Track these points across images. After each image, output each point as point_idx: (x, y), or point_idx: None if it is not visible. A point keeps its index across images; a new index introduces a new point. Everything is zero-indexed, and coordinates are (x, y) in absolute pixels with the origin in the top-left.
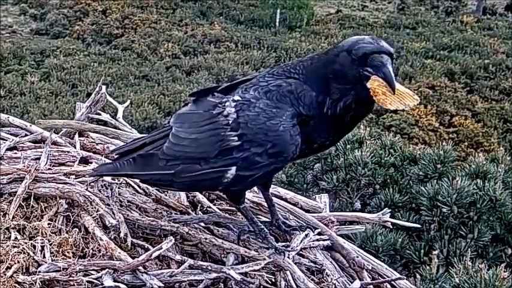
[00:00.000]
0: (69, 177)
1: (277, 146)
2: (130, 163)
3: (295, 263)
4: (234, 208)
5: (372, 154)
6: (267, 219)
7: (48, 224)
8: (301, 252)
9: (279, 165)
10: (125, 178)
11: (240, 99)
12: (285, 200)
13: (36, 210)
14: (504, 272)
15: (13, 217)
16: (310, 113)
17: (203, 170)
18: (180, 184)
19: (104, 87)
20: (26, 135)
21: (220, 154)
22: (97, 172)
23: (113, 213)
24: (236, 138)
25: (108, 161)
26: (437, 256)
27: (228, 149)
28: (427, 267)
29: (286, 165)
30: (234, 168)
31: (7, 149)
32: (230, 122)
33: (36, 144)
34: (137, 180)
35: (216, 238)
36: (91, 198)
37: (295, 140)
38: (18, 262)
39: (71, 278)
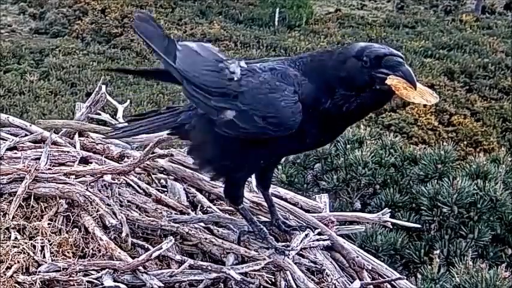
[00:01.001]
0: (69, 177)
1: (277, 118)
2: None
3: (295, 263)
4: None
5: (372, 154)
6: (267, 219)
7: (48, 224)
8: (301, 252)
9: (272, 134)
10: (125, 178)
11: (246, 66)
12: (285, 200)
13: (36, 210)
14: (505, 272)
15: (13, 217)
16: (306, 102)
17: (208, 102)
18: (186, 90)
19: (103, 87)
20: (26, 135)
21: (223, 95)
22: (115, 134)
23: (113, 213)
24: (238, 93)
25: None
26: (438, 256)
27: (232, 94)
28: (428, 266)
29: (281, 134)
30: (233, 112)
31: (7, 149)
32: (235, 79)
33: (36, 144)
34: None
35: (216, 238)
36: (91, 198)
37: (296, 117)
38: (18, 262)
39: (71, 278)
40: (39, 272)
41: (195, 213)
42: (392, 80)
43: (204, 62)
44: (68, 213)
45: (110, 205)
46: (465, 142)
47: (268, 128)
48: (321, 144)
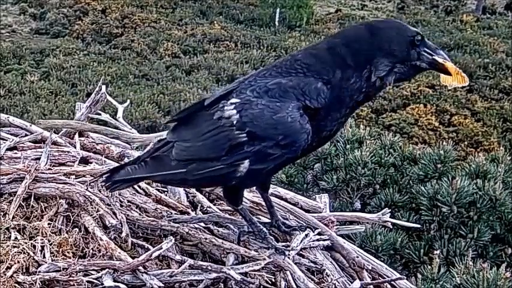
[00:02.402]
0: (69, 177)
1: (288, 137)
2: (142, 166)
3: (295, 263)
4: None
5: (372, 154)
6: (267, 220)
7: (48, 224)
8: (301, 252)
9: (292, 155)
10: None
11: (239, 100)
12: (285, 200)
13: (36, 210)
14: (506, 272)
15: (13, 217)
16: (318, 104)
17: (215, 167)
18: (192, 181)
19: (103, 87)
20: (26, 135)
21: (230, 151)
22: (111, 179)
23: (113, 213)
24: (245, 135)
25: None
26: (438, 256)
27: (239, 144)
28: (428, 266)
29: (298, 156)
30: (246, 162)
31: (7, 149)
32: (234, 122)
33: (36, 144)
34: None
35: (216, 238)
36: (91, 198)
37: (305, 129)
38: (18, 262)
39: (71, 278)
40: (39, 272)
41: (195, 213)
42: (444, 61)
43: (203, 125)
44: (68, 213)
45: (110, 205)
46: (466, 142)
47: (285, 153)
48: (335, 132)
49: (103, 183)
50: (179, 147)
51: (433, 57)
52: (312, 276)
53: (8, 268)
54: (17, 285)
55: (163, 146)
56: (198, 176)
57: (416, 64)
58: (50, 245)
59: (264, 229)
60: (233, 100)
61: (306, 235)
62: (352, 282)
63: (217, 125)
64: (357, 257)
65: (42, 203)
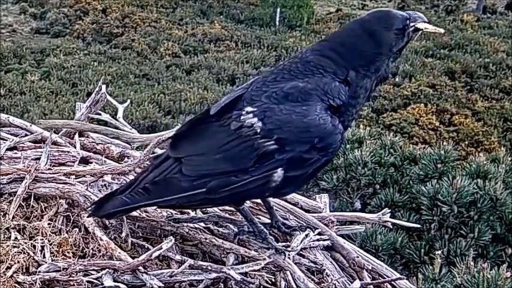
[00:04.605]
0: (69, 177)
1: (324, 140)
2: (142, 194)
3: (295, 263)
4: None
5: (372, 154)
6: (268, 220)
7: (48, 224)
8: (301, 252)
9: (329, 157)
10: (125, 178)
11: (255, 109)
12: (285, 200)
13: (36, 210)
14: (507, 271)
15: (13, 217)
16: (340, 102)
17: (244, 180)
18: (218, 200)
19: (104, 86)
20: (26, 135)
21: (258, 162)
22: (103, 212)
23: None
24: (273, 142)
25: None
26: (439, 256)
27: (267, 152)
28: (430, 266)
29: (336, 151)
30: (280, 170)
31: (7, 149)
32: (258, 131)
33: (36, 144)
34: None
35: (216, 238)
36: (91, 198)
37: (339, 129)
38: (18, 262)
39: (71, 278)
40: (39, 272)
41: (195, 213)
42: (421, 25)
43: (218, 137)
44: (68, 213)
45: None
46: (466, 142)
47: (323, 155)
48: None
49: (92, 216)
50: (191, 162)
51: (416, 25)
52: (312, 276)
53: (8, 268)
54: (17, 285)
55: (162, 163)
56: (224, 193)
57: (407, 41)
58: (50, 245)
59: (265, 229)
60: (249, 108)
61: (306, 235)
62: (352, 282)
63: (237, 135)
64: (357, 257)
65: (42, 203)
